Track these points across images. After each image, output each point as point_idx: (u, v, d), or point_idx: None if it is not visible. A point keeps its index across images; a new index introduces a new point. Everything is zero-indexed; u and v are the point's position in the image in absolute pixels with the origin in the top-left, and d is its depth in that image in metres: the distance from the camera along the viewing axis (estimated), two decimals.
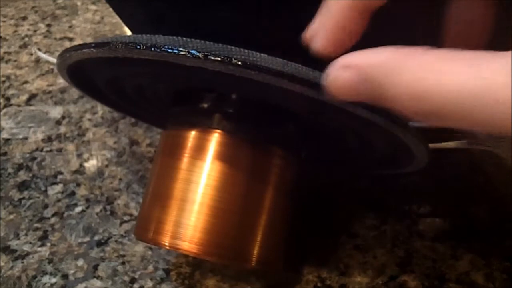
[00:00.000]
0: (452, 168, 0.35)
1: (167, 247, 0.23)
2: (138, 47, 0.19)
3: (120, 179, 0.33)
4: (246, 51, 0.19)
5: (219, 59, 0.18)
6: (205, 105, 0.24)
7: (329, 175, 0.33)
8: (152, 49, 0.19)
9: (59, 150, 0.35)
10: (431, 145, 0.23)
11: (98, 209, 0.31)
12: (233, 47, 0.19)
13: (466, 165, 0.35)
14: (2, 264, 0.28)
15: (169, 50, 0.18)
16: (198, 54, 0.18)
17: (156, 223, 0.23)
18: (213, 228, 0.22)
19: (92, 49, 0.20)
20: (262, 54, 0.19)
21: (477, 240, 0.31)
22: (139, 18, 0.25)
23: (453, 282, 0.29)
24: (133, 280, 0.28)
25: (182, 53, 0.18)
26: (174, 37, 0.19)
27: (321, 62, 0.19)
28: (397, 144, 0.22)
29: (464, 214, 0.32)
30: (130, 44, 0.19)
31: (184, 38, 0.19)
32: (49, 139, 0.35)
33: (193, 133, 0.24)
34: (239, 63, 0.18)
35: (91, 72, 0.25)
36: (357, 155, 0.29)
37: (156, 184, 0.24)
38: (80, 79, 0.26)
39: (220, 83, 0.22)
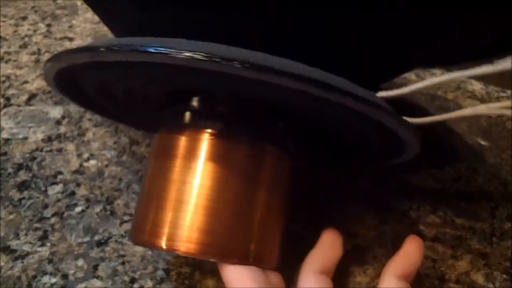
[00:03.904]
0: (452, 168, 0.35)
1: (164, 249, 0.23)
2: (117, 48, 0.19)
3: (120, 179, 0.33)
4: (223, 46, 0.19)
5: (188, 55, 0.18)
6: (195, 106, 0.24)
7: (328, 173, 0.33)
8: (124, 49, 0.19)
9: (59, 150, 0.35)
10: (442, 116, 0.22)
11: (98, 209, 0.31)
12: (208, 43, 0.19)
13: (466, 165, 0.35)
14: (2, 264, 0.28)
15: (152, 50, 0.18)
16: (166, 51, 0.18)
17: (152, 226, 0.23)
18: (209, 228, 0.22)
19: (76, 54, 0.21)
20: (239, 49, 0.19)
21: (477, 240, 0.31)
22: (124, 25, 0.25)
23: (453, 282, 0.29)
24: (133, 280, 0.28)
25: (173, 53, 0.18)
26: (158, 38, 0.19)
27: (308, 58, 0.19)
28: (387, 133, 0.22)
29: (464, 214, 0.32)
30: (113, 47, 0.19)
31: (162, 38, 0.19)
32: (49, 139, 0.35)
33: (184, 134, 0.24)
34: (218, 59, 0.18)
35: (79, 79, 0.25)
36: (352, 151, 0.29)
37: (150, 186, 0.24)
38: (69, 88, 0.26)
39: (206, 82, 0.23)
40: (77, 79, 0.25)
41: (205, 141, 0.23)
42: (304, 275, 0.25)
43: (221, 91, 0.24)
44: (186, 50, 0.18)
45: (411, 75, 0.42)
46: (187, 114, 0.24)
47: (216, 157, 0.23)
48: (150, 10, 0.22)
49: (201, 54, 0.18)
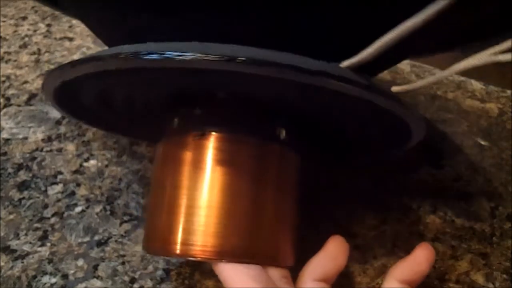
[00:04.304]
0: (452, 168, 0.35)
1: (179, 256, 0.23)
2: (124, 55, 0.19)
3: (120, 179, 0.33)
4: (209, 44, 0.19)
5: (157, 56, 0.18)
6: (198, 110, 0.24)
7: (328, 173, 0.33)
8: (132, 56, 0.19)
9: (59, 150, 0.35)
10: (431, 78, 0.20)
11: (98, 209, 0.31)
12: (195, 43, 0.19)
13: (466, 165, 0.35)
14: (2, 264, 0.28)
15: (150, 57, 0.18)
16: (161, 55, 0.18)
17: (166, 234, 0.23)
18: (223, 231, 0.22)
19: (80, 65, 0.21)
20: (229, 45, 0.19)
21: (477, 240, 0.31)
22: (123, 30, 0.25)
23: (453, 282, 0.29)
24: (133, 280, 0.28)
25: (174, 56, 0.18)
26: (165, 43, 0.19)
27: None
28: (384, 117, 0.22)
29: (464, 214, 0.32)
30: (120, 55, 0.19)
31: (165, 43, 0.19)
32: (49, 139, 0.35)
33: (190, 139, 0.24)
34: (215, 58, 0.18)
35: (78, 92, 0.25)
36: (356, 148, 0.29)
37: (160, 194, 0.24)
38: (68, 102, 0.26)
39: (205, 83, 0.23)
40: (77, 92, 0.25)
41: (210, 144, 0.23)
42: (302, 281, 0.24)
43: (221, 93, 0.24)
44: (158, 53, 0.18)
45: (411, 75, 0.42)
46: (191, 120, 0.24)
47: (224, 159, 0.23)
48: (150, 11, 0.22)
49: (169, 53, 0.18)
